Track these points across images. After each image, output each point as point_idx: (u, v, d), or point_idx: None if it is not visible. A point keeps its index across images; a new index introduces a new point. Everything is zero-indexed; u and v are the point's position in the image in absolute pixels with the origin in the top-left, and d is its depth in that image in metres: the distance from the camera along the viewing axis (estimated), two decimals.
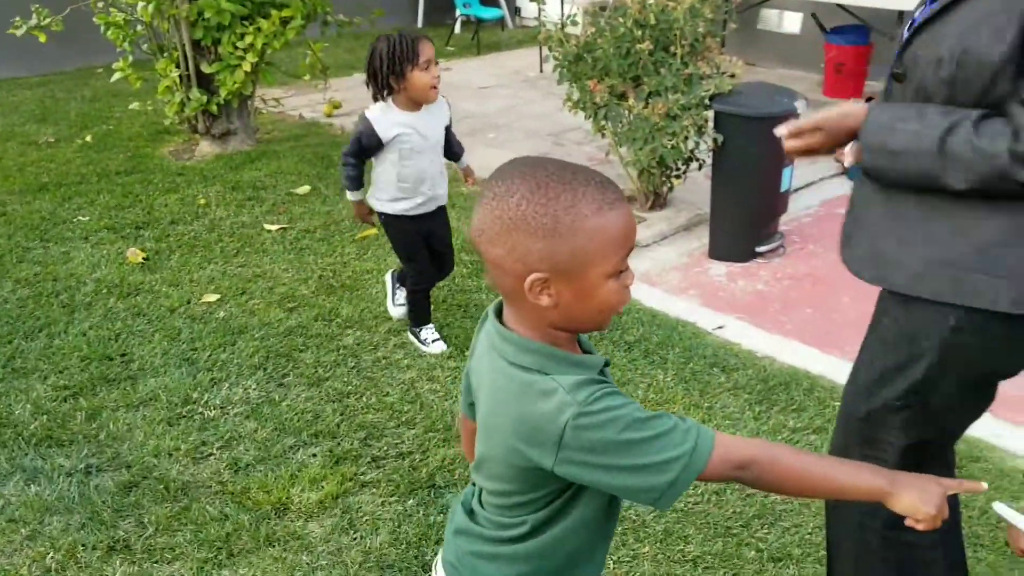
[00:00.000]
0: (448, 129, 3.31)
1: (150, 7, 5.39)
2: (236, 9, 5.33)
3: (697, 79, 4.26)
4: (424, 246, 3.37)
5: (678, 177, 4.65)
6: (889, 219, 1.64)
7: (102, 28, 5.65)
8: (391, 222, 3.32)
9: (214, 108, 5.73)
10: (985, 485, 1.27)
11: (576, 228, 1.10)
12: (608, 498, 1.25)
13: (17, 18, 5.59)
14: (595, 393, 1.10)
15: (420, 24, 10.64)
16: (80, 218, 4.82)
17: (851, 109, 1.65)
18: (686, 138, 4.25)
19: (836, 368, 3.24)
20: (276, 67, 6.00)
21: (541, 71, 8.14)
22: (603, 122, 4.54)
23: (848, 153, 1.68)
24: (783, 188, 4.24)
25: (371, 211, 3.37)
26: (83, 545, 2.46)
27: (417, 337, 3.50)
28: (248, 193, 5.19)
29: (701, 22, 4.34)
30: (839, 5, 6.92)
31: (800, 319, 3.75)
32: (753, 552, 2.43)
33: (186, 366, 3.35)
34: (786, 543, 2.45)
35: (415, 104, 3.12)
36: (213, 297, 3.91)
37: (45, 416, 3.04)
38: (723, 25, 6.10)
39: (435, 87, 3.09)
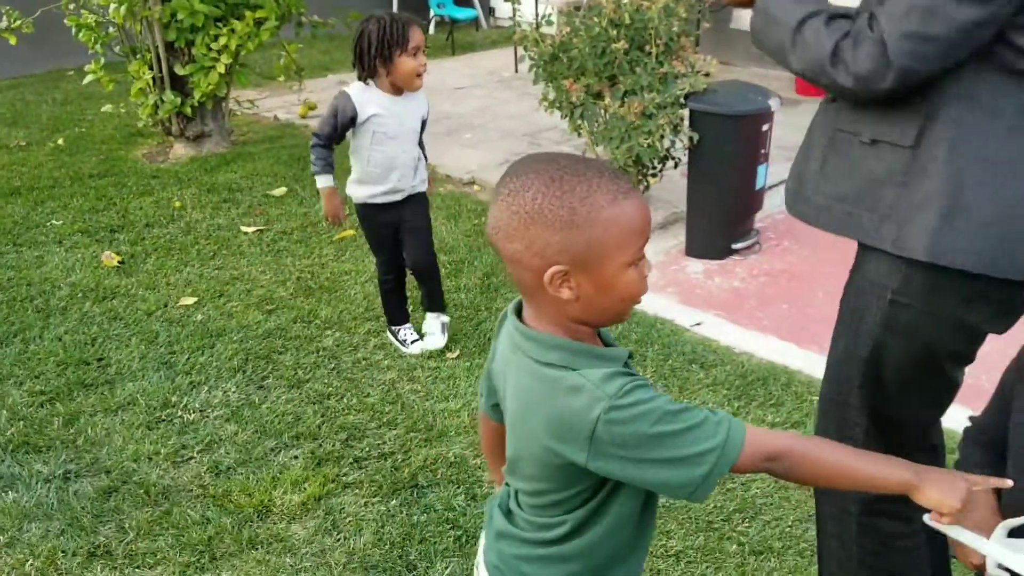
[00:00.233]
0: (424, 123, 3.30)
1: (122, 9, 5.34)
2: (209, 10, 5.30)
3: (672, 78, 4.29)
4: (393, 240, 3.36)
5: (654, 176, 4.68)
6: (803, 157, 1.75)
7: (73, 30, 5.61)
8: (360, 212, 3.32)
9: (188, 110, 5.69)
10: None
11: (593, 218, 1.10)
12: (645, 495, 1.24)
13: None
14: (625, 386, 1.10)
15: None
16: (53, 222, 4.77)
17: None
18: (662, 137, 4.27)
19: (813, 363, 3.27)
20: (250, 68, 5.97)
21: (516, 71, 8.16)
22: (579, 121, 4.56)
23: None
24: (758, 185, 4.28)
25: (344, 205, 3.34)
26: (63, 551, 2.44)
27: (396, 337, 3.50)
28: (224, 195, 5.16)
29: (675, 21, 4.38)
30: None
31: (777, 315, 3.79)
32: (735, 546, 2.45)
33: (164, 370, 3.32)
34: (767, 536, 2.48)
35: (397, 90, 3.12)
36: (190, 300, 3.88)
37: (22, 422, 3.01)
38: (697, 24, 6.15)
39: (420, 75, 3.09)
